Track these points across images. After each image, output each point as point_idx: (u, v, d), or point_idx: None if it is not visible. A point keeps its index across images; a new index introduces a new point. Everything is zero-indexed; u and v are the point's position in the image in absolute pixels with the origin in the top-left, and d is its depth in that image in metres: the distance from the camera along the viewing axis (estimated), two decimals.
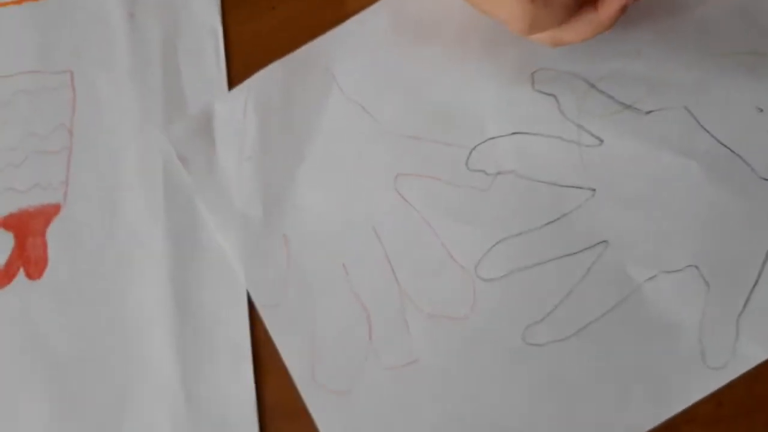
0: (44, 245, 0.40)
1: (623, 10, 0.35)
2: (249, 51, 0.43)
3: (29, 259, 0.40)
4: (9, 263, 0.40)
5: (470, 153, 0.39)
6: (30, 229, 0.41)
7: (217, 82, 0.43)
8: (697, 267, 0.36)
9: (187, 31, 0.44)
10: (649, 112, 0.38)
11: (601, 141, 0.38)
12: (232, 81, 0.43)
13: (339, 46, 0.42)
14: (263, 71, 0.42)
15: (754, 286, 0.35)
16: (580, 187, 0.38)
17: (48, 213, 0.41)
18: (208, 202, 0.40)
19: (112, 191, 0.41)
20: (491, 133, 0.39)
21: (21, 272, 0.40)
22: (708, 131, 0.37)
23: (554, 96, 0.39)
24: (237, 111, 0.42)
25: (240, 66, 0.43)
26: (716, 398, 0.35)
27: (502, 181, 0.38)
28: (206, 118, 0.42)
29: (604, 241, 0.37)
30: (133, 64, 0.44)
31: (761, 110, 0.37)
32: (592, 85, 0.39)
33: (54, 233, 0.41)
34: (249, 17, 0.44)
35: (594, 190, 0.38)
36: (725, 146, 0.37)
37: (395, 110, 0.40)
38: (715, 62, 0.38)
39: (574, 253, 0.37)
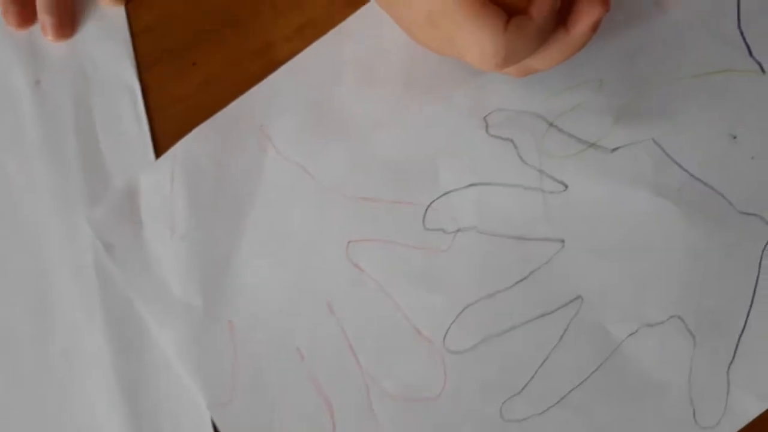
0: None
1: (596, 26, 0.32)
2: (172, 114, 0.39)
3: None
4: None
5: (426, 210, 0.35)
6: None
7: (140, 148, 0.39)
8: (680, 317, 0.33)
9: (101, 94, 0.40)
10: (615, 149, 0.35)
11: (566, 186, 0.35)
12: (157, 150, 0.39)
13: (271, 100, 0.38)
14: (189, 136, 0.38)
15: (742, 331, 0.33)
16: (548, 239, 0.34)
17: None
18: (140, 293, 0.36)
19: (39, 285, 0.37)
20: (447, 187, 0.36)
21: None
22: (680, 165, 0.34)
23: (511, 140, 0.35)
24: (164, 184, 0.37)
25: (164, 132, 0.39)
26: None
27: (463, 239, 0.35)
28: (130, 195, 0.38)
29: (579, 297, 0.34)
30: (44, 138, 0.39)
31: (735, 137, 0.34)
32: (551, 124, 0.35)
33: None
34: (168, 77, 0.39)
35: (563, 241, 0.34)
36: (699, 180, 0.34)
37: (339, 169, 0.37)
38: (683, 86, 0.35)
39: (548, 314, 0.34)
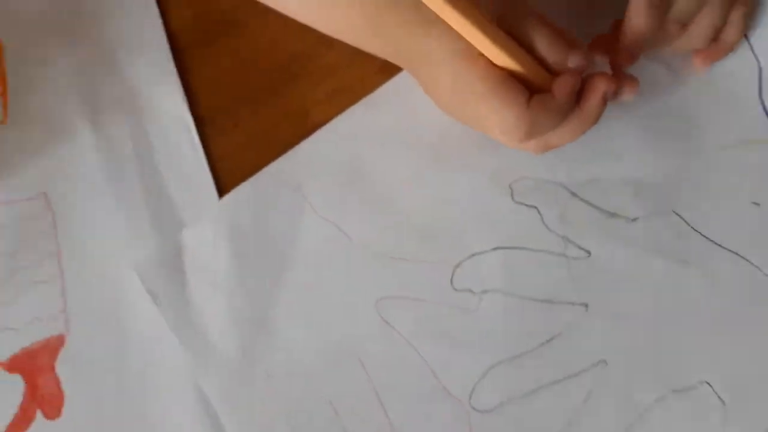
0: (56, 381, 0.38)
1: (605, 100, 0.33)
2: (214, 171, 0.41)
3: (44, 398, 0.38)
4: (24, 407, 0.38)
5: (454, 270, 0.37)
6: (37, 367, 0.39)
7: (200, 176, 0.41)
8: (708, 383, 0.34)
9: (158, 127, 0.41)
10: (635, 219, 0.36)
11: (589, 253, 0.36)
12: None
13: (308, 162, 0.40)
14: (231, 194, 0.40)
15: None
16: (572, 303, 0.36)
17: (53, 346, 0.39)
18: (183, 340, 0.38)
19: (115, 309, 0.39)
20: (474, 249, 0.37)
21: (39, 414, 0.38)
22: (701, 234, 0.35)
23: (536, 207, 0.37)
24: (206, 240, 0.40)
25: None
26: None
27: (490, 301, 0.36)
28: (175, 249, 0.40)
29: (603, 361, 0.35)
30: (107, 173, 0.41)
31: (758, 204, 0.35)
32: (574, 194, 0.37)
33: (64, 365, 0.39)
34: (211, 136, 0.42)
35: (586, 305, 0.35)
36: (724, 248, 0.35)
37: (372, 228, 0.38)
38: (703, 158, 0.36)
39: (572, 376, 0.35)
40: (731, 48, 0.37)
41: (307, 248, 0.39)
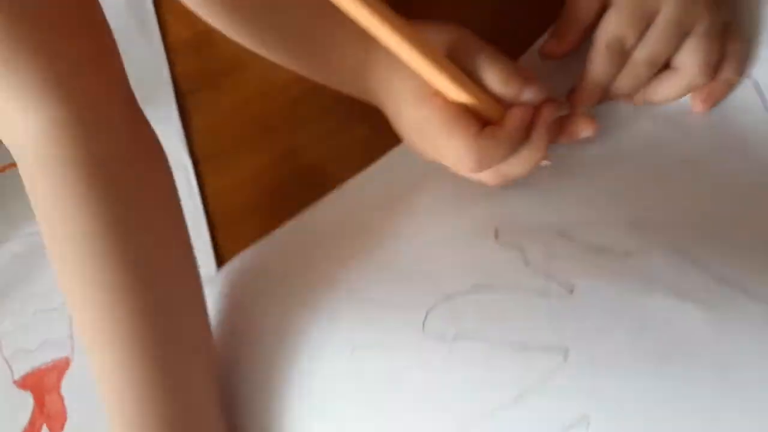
0: (61, 400, 0.41)
1: (547, 128, 0.34)
2: (208, 211, 0.43)
3: (49, 415, 0.41)
4: (32, 422, 0.41)
5: (426, 315, 0.34)
6: (45, 386, 0.42)
7: (196, 219, 0.42)
8: None
9: None
10: (629, 254, 0.32)
11: (572, 290, 0.32)
12: None
13: (312, 230, 0.41)
14: (231, 263, 0.42)
15: None
16: (550, 348, 0.32)
17: (59, 368, 0.42)
18: None
19: None
20: (449, 291, 0.34)
21: (44, 429, 0.41)
22: (706, 269, 0.30)
23: (519, 247, 0.34)
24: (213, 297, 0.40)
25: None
26: None
27: (460, 348, 0.33)
28: None
29: (585, 417, 0.30)
30: None
31: None
32: (562, 232, 0.34)
33: (68, 386, 0.41)
34: (207, 175, 0.44)
35: (567, 350, 0.31)
36: (731, 286, 0.30)
37: (356, 275, 0.37)
38: (707, 197, 0.33)
39: None
40: (731, 85, 0.35)
41: None
